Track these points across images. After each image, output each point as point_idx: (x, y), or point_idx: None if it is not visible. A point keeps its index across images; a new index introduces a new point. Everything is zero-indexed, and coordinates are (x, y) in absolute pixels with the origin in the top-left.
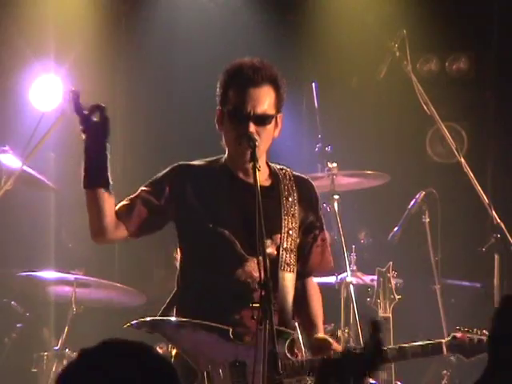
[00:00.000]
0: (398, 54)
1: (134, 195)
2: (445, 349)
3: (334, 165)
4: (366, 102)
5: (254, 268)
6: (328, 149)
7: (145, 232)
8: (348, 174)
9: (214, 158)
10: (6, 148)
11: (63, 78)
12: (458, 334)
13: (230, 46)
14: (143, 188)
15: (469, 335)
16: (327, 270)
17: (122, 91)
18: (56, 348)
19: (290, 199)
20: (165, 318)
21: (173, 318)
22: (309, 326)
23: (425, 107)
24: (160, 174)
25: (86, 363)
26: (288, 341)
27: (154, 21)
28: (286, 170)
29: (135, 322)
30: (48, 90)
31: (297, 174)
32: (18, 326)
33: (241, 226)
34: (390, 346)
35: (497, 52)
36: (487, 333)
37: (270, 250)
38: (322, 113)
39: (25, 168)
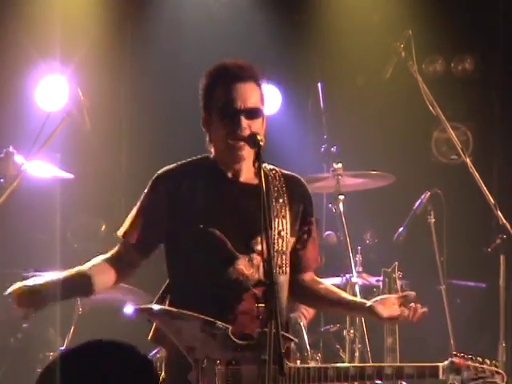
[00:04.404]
0: (403, 54)
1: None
2: (441, 372)
3: (340, 165)
4: (372, 103)
5: (245, 266)
6: (333, 149)
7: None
8: (353, 175)
9: (198, 157)
10: (11, 149)
11: (69, 79)
12: (456, 359)
13: (235, 46)
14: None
15: (467, 362)
16: (318, 265)
17: (128, 91)
18: (62, 348)
19: (281, 200)
20: (167, 307)
21: (174, 309)
22: (343, 306)
23: (430, 108)
24: (144, 195)
25: (65, 363)
26: (285, 346)
27: (160, 21)
28: (276, 171)
29: (136, 307)
30: (54, 91)
31: (286, 172)
32: (23, 326)
33: (232, 224)
34: (387, 364)
35: (502, 52)
36: (488, 361)
37: (260, 247)
38: (327, 113)
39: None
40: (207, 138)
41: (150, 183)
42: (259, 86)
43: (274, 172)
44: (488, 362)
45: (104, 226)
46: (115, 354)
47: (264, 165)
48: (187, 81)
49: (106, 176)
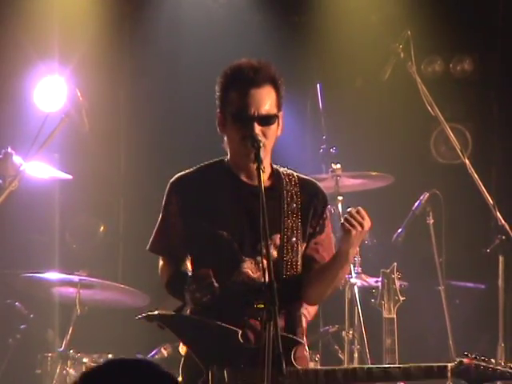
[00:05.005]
0: (402, 55)
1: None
2: (449, 373)
3: (338, 166)
4: (371, 103)
5: (251, 269)
6: (332, 150)
7: None
8: (352, 176)
9: (215, 160)
10: (9, 149)
11: (67, 79)
12: (465, 360)
13: (234, 48)
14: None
15: (476, 362)
16: None
17: (126, 92)
18: (60, 349)
19: (293, 205)
20: (175, 313)
21: (183, 314)
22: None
23: (429, 108)
24: (163, 204)
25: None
26: (295, 348)
27: (158, 21)
28: (293, 175)
29: (146, 314)
30: (52, 92)
31: (303, 177)
32: (22, 327)
33: (240, 226)
34: (394, 365)
35: (501, 53)
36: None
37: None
38: (326, 114)
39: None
40: (225, 139)
41: (165, 192)
42: (276, 87)
43: (290, 177)
44: (502, 363)
45: (102, 227)
46: (138, 373)
47: (283, 169)
48: (186, 81)
49: (104, 176)
